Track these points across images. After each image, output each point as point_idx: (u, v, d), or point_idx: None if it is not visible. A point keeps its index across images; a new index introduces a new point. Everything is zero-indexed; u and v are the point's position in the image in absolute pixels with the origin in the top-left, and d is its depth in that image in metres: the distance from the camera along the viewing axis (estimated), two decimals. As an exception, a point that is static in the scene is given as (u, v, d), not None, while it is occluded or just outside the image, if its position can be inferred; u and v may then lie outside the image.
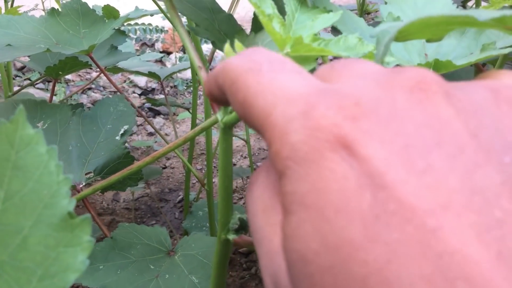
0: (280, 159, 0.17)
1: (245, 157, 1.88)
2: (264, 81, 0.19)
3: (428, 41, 0.25)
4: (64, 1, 1.07)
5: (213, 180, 1.65)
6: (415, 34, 0.24)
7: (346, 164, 0.15)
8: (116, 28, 0.92)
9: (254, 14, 0.51)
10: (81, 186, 0.67)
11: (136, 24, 1.98)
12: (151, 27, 2.01)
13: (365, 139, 0.16)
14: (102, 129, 0.76)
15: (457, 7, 0.52)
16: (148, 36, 2.03)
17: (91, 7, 0.86)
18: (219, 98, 0.23)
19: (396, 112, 0.16)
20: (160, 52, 2.18)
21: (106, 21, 0.80)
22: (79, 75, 2.02)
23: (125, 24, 1.97)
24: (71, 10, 0.79)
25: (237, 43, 0.31)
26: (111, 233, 0.67)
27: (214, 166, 1.80)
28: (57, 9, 0.78)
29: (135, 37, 2.01)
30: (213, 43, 0.45)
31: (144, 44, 2.13)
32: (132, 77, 2.01)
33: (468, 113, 0.16)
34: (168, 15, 0.46)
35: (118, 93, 0.95)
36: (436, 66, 0.40)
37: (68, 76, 1.94)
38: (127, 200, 1.63)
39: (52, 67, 0.85)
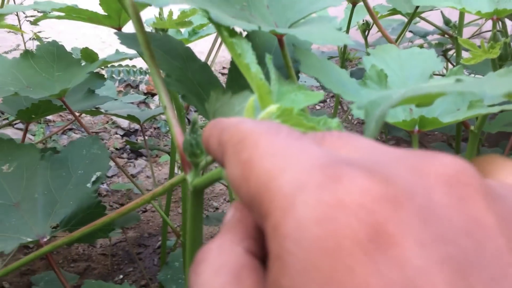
0: (277, 237, 0.14)
1: (228, 201, 1.83)
2: (277, 143, 0.17)
3: (417, 106, 0.23)
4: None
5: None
6: (404, 103, 0.22)
7: (373, 267, 0.12)
8: (93, 71, 0.89)
9: (231, 64, 0.49)
10: (45, 240, 0.63)
11: (120, 65, 1.96)
12: (135, 69, 2.00)
13: (403, 236, 0.13)
14: (73, 174, 0.72)
15: (437, 56, 0.51)
16: (132, 78, 2.01)
17: (69, 50, 0.83)
18: (214, 154, 0.21)
19: (434, 207, 0.14)
20: (144, 93, 2.16)
21: (83, 64, 0.77)
22: (60, 115, 1.99)
23: (108, 65, 1.96)
24: (46, 53, 0.76)
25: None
26: (75, 292, 0.62)
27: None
28: (32, 50, 0.75)
29: (118, 78, 1.99)
30: (183, 97, 0.42)
31: (128, 85, 2.11)
32: (115, 118, 1.98)
33: (507, 224, 0.14)
34: (146, 61, 0.43)
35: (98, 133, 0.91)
36: (422, 123, 0.38)
37: (49, 116, 1.90)
38: (104, 246, 1.56)
39: (24, 111, 0.82)
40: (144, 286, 1.35)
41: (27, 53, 0.75)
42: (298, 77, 0.50)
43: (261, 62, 0.53)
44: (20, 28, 1.56)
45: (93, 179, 0.72)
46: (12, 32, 1.71)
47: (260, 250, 0.18)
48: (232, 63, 0.46)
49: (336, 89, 0.41)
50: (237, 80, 0.45)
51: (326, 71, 0.43)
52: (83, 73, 0.73)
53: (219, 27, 0.36)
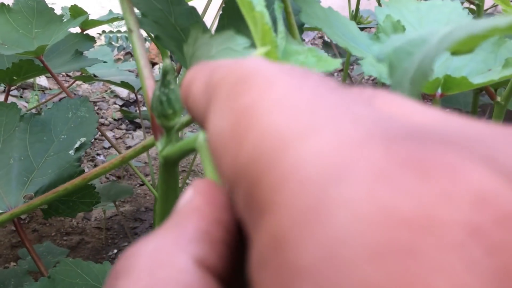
0: (288, 269, 0.08)
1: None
2: (304, 92, 0.10)
3: (454, 53, 0.16)
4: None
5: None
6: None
7: None
8: (80, 31, 0.82)
9: (223, 10, 0.41)
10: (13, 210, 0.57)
11: (119, 31, 1.88)
12: (134, 36, 1.91)
13: None
14: (55, 139, 0.65)
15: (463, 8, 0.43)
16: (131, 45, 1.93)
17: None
18: (196, 106, 0.14)
19: None
20: (145, 62, 2.08)
21: (65, 20, 0.70)
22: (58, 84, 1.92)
23: (106, 31, 1.88)
24: (25, 7, 0.69)
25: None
26: (49, 271, 0.56)
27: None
28: (8, 5, 0.68)
29: (117, 45, 1.92)
30: (156, 37, 0.35)
31: (128, 53, 2.03)
32: (114, 87, 1.91)
33: None
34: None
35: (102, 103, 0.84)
36: (447, 84, 0.30)
37: (45, 84, 1.84)
38: (99, 219, 1.51)
39: (4, 71, 0.75)
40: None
41: (2, 7, 0.67)
42: (301, 32, 0.43)
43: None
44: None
45: (76, 145, 0.65)
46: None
47: (221, 262, 0.12)
48: (225, 9, 0.39)
49: (343, 42, 0.34)
50: (229, 28, 0.38)
51: (332, 21, 0.36)
52: (64, 29, 0.66)
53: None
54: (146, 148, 0.36)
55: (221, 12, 0.39)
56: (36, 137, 0.65)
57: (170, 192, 0.28)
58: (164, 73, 0.23)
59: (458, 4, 0.43)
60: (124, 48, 1.93)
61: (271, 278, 0.08)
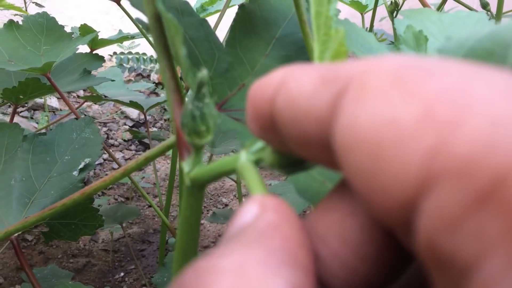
0: None
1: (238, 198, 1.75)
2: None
3: None
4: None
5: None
6: None
7: None
8: (89, 51, 0.82)
9: (235, 21, 0.39)
10: (16, 234, 0.54)
11: (130, 53, 1.89)
12: (145, 57, 1.92)
13: None
14: (58, 160, 0.63)
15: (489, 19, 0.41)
16: (142, 66, 1.93)
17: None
18: (308, 103, 0.13)
19: None
20: (155, 83, 2.08)
21: (74, 38, 0.69)
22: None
23: (117, 52, 1.89)
24: (34, 24, 0.68)
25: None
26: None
27: (203, 207, 1.67)
28: (17, 22, 0.67)
29: (128, 66, 1.92)
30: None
31: (139, 74, 2.04)
32: (124, 108, 1.91)
33: None
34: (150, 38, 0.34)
35: (110, 123, 0.83)
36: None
37: (55, 104, 1.84)
38: (106, 241, 1.49)
39: (10, 90, 0.74)
40: (144, 285, 1.27)
41: (11, 24, 0.67)
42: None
43: (272, 29, 0.44)
44: (26, 10, 1.49)
45: (80, 166, 0.63)
46: (18, 15, 1.65)
47: None
48: (236, 20, 0.37)
49: (361, 53, 0.32)
50: (239, 39, 0.37)
51: (350, 33, 0.34)
52: (72, 47, 0.65)
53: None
54: (148, 160, 0.34)
55: (232, 23, 0.37)
56: (39, 158, 0.63)
57: (193, 219, 0.25)
58: (199, 85, 0.20)
59: (484, 15, 0.41)
60: (135, 70, 1.94)
61: None
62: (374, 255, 0.12)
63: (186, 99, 0.22)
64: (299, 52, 0.36)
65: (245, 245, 0.11)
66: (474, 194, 0.08)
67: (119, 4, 0.75)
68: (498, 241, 0.08)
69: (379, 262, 0.12)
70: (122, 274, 1.34)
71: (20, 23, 0.69)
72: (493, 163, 0.08)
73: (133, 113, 1.93)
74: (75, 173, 0.62)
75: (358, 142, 0.10)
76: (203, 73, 0.19)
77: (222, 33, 0.74)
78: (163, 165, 1.87)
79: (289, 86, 0.13)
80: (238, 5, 0.37)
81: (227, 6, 0.65)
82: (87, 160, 0.64)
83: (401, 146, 0.09)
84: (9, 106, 1.62)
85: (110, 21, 2.10)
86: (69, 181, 0.61)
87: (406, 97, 0.10)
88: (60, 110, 1.84)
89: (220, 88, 0.35)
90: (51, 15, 0.73)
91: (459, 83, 0.09)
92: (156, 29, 0.24)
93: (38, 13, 0.72)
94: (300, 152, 0.14)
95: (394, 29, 0.96)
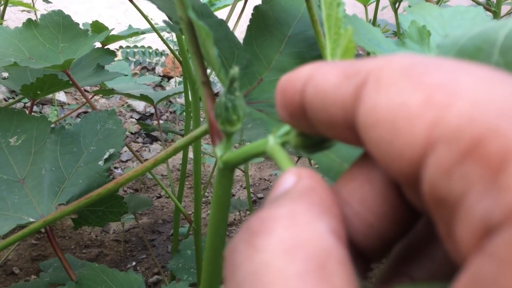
0: None
1: (245, 188, 1.78)
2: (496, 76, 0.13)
3: None
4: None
5: (203, 215, 1.55)
6: None
7: None
8: (101, 46, 0.84)
9: (251, 21, 0.42)
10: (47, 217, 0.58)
11: (135, 46, 1.91)
12: (150, 50, 1.94)
13: None
14: (84, 150, 0.66)
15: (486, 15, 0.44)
16: (148, 60, 1.96)
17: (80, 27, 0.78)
18: (333, 94, 0.16)
19: None
20: (161, 76, 2.11)
21: (89, 35, 0.72)
22: (75, 99, 1.95)
23: (123, 46, 1.91)
24: (51, 23, 0.71)
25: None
26: (77, 276, 0.57)
27: (210, 197, 1.70)
28: (35, 20, 0.70)
29: (134, 60, 1.95)
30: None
31: (144, 67, 2.06)
32: (130, 101, 1.94)
33: None
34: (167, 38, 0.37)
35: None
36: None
37: (63, 99, 1.87)
38: (117, 231, 1.52)
39: (28, 86, 0.77)
40: (156, 273, 1.31)
41: (30, 23, 0.69)
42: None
43: (284, 28, 0.47)
44: (34, 6, 1.52)
45: (105, 156, 0.66)
46: (26, 11, 1.68)
47: (346, 238, 0.14)
48: (252, 20, 0.40)
49: (370, 48, 0.35)
50: (256, 38, 0.39)
51: (358, 28, 0.37)
52: (89, 44, 0.68)
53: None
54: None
55: (249, 23, 0.40)
56: (67, 149, 0.66)
57: (224, 197, 0.28)
58: (231, 80, 0.23)
59: (481, 10, 0.44)
60: (140, 63, 1.97)
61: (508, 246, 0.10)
62: (387, 213, 0.16)
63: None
64: (310, 48, 0.39)
65: (291, 201, 0.14)
66: (460, 151, 0.12)
67: (131, 1, 0.77)
68: (476, 181, 0.11)
69: (391, 219, 0.16)
70: (134, 263, 1.38)
71: (29, 19, 0.72)
72: (472, 131, 0.12)
73: (139, 106, 1.96)
74: (101, 162, 0.66)
75: (378, 121, 0.14)
76: (235, 70, 0.23)
77: (232, 24, 0.76)
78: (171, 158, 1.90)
79: (317, 79, 0.16)
80: (254, 7, 0.40)
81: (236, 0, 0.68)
82: (111, 150, 0.67)
83: (410, 122, 0.13)
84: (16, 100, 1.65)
85: (114, 15, 2.12)
86: (95, 170, 0.65)
87: (412, 87, 0.13)
88: (68, 104, 1.88)
89: (241, 82, 0.38)
90: (58, 10, 0.76)
91: (450, 77, 0.13)
92: (188, 32, 0.27)
93: (53, 11, 0.74)
94: (327, 133, 0.17)
95: (397, 18, 0.98)
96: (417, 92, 0.13)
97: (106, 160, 0.61)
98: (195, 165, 0.68)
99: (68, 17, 0.74)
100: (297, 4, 0.45)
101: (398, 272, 0.17)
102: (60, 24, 0.72)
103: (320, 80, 0.16)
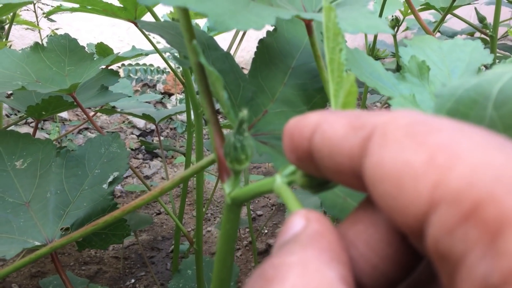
0: None
1: (244, 205, 1.78)
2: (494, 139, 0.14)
3: None
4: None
5: (204, 232, 1.55)
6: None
7: None
8: (104, 66, 0.86)
9: (256, 54, 0.44)
10: (53, 243, 0.58)
11: (137, 64, 1.93)
12: (152, 68, 1.96)
13: None
14: (89, 174, 0.67)
15: (485, 48, 0.45)
16: (149, 77, 1.98)
17: (84, 46, 0.80)
18: (339, 145, 0.17)
19: None
20: (162, 93, 2.12)
21: (95, 59, 0.74)
22: (77, 114, 1.97)
23: (125, 64, 1.93)
24: (58, 46, 0.73)
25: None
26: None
27: (210, 214, 1.70)
28: (42, 44, 0.71)
29: (135, 77, 1.97)
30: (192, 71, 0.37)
31: (145, 84, 2.08)
32: (131, 117, 1.95)
33: None
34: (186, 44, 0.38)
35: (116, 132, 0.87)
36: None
37: (64, 115, 1.88)
38: (116, 248, 1.52)
39: (34, 107, 0.78)
40: (156, 291, 1.31)
41: (37, 46, 0.71)
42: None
43: (288, 60, 0.48)
44: (38, 25, 1.54)
45: (109, 179, 0.67)
46: (30, 29, 1.70)
47: (354, 284, 0.15)
48: (257, 53, 0.41)
49: (371, 82, 0.36)
50: (261, 70, 0.41)
51: (359, 62, 0.38)
52: (95, 67, 0.69)
53: None
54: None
55: (254, 56, 0.41)
56: (71, 172, 0.67)
57: (232, 231, 0.29)
58: (241, 122, 0.25)
59: (479, 43, 0.45)
60: (142, 80, 1.98)
61: None
62: (392, 256, 0.17)
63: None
64: (313, 80, 0.40)
65: (301, 247, 0.15)
66: (461, 214, 0.13)
67: (137, 26, 0.79)
68: (476, 242, 0.12)
69: (395, 261, 0.17)
70: (133, 280, 1.38)
71: (32, 38, 0.73)
72: (471, 195, 0.13)
73: (140, 122, 1.97)
74: (105, 186, 0.66)
75: (384, 176, 0.15)
76: (244, 113, 0.24)
77: (225, 42, 0.78)
78: (169, 173, 1.91)
79: (324, 128, 0.17)
80: (258, 40, 0.41)
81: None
82: (115, 174, 0.68)
83: (415, 180, 0.14)
84: (20, 118, 1.66)
85: (116, 32, 2.15)
86: (99, 193, 0.65)
87: (416, 146, 0.14)
88: (70, 120, 1.89)
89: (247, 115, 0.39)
90: (64, 34, 0.77)
91: (451, 138, 0.14)
92: (198, 73, 0.28)
93: (60, 35, 0.76)
94: (333, 178, 0.18)
95: (396, 46, 1.00)
96: (420, 151, 0.14)
97: (110, 183, 0.62)
98: (197, 187, 0.69)
99: (75, 40, 0.76)
100: (300, 35, 0.46)
101: None
102: (66, 47, 0.74)
103: (327, 129, 0.17)
